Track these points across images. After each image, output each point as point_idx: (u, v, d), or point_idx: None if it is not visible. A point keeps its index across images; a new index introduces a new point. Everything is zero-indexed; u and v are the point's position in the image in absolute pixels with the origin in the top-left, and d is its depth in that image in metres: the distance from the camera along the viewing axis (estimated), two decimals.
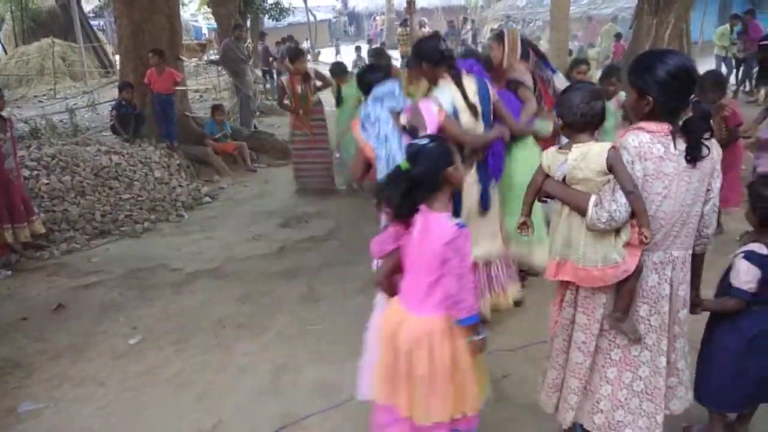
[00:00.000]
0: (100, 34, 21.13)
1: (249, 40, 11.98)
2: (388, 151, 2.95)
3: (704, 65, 12.25)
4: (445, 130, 3.00)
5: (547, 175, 2.17)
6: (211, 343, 3.70)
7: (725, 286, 2.33)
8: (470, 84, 3.27)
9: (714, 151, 2.01)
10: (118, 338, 3.82)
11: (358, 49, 16.61)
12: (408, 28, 14.59)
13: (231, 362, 3.48)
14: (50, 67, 16.92)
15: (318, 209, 6.36)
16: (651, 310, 2.08)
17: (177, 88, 7.78)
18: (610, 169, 1.95)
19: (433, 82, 3.31)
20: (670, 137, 1.95)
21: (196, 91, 13.51)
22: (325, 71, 7.01)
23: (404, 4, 19.06)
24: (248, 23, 14.65)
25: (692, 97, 1.96)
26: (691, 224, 2.06)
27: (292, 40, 14.36)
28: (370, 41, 19.08)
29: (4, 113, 5.16)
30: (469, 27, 17.32)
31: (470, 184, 3.29)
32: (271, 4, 15.45)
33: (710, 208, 2.08)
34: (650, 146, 1.94)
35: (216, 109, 8.23)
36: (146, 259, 5.15)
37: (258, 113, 10.75)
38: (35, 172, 6.01)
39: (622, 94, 4.62)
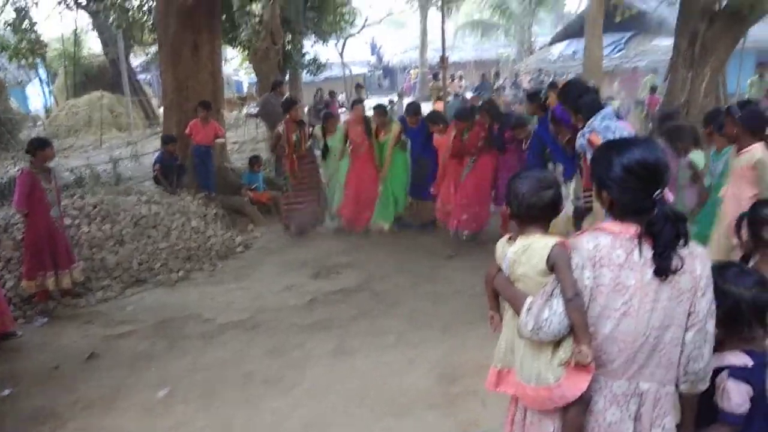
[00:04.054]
0: (146, 88, 22.20)
1: (287, 95, 12.39)
2: None
3: None
4: None
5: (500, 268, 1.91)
6: (239, 399, 3.65)
7: (708, 410, 1.83)
8: None
9: (697, 264, 1.63)
10: (147, 390, 3.82)
11: (391, 102, 16.90)
12: (440, 82, 14.91)
13: (257, 419, 3.42)
14: (98, 118, 17.75)
15: (349, 259, 6.35)
16: None
17: (217, 140, 8.02)
18: (552, 268, 1.68)
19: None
20: (635, 241, 1.62)
21: (235, 142, 13.92)
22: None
23: (437, 59, 19.54)
24: (287, 77, 15.22)
25: (657, 194, 1.62)
26: (665, 353, 1.65)
27: (320, 92, 14.89)
28: (400, 95, 19.48)
29: (51, 164, 5.39)
30: (501, 81, 17.58)
31: None
32: (309, 60, 16.00)
33: (696, 337, 1.64)
34: (609, 251, 1.62)
35: (254, 160, 8.44)
36: (179, 309, 5.19)
37: None
38: (77, 221, 6.21)
39: (691, 156, 4.56)
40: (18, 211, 5.25)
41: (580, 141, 3.78)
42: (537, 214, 1.82)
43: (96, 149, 15.25)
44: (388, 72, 33.08)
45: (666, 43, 14.96)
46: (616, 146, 1.71)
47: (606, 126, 3.60)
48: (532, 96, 6.33)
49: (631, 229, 1.63)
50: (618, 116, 4.11)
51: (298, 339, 4.44)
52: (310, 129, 7.45)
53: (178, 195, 7.37)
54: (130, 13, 13.54)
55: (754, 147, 3.64)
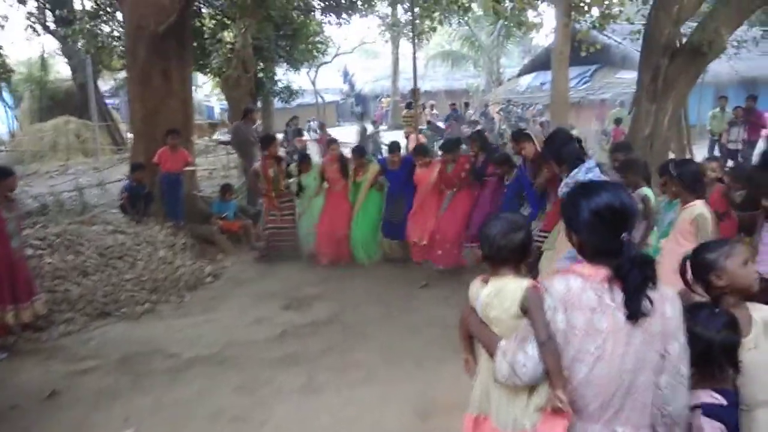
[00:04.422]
0: (114, 113, 21.89)
1: (259, 122, 12.37)
2: None
3: (702, 148, 12.53)
4: None
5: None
6: None
7: None
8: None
9: (667, 307, 1.66)
10: (111, 429, 3.67)
11: (370, 135, 16.58)
12: (413, 110, 15.10)
13: None
14: (64, 143, 17.40)
15: (321, 290, 6.29)
16: None
17: (186, 168, 7.92)
18: (525, 311, 1.71)
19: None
20: (606, 285, 1.64)
21: (205, 169, 13.78)
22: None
23: (408, 87, 19.84)
24: (259, 104, 15.21)
25: (623, 236, 1.65)
26: (639, 396, 1.64)
27: (296, 120, 14.90)
28: (374, 122, 19.61)
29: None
30: (471, 111, 17.90)
31: None
32: (282, 88, 16.04)
33: (670, 380, 1.65)
34: (580, 294, 1.63)
35: (225, 189, 8.36)
36: (144, 343, 5.03)
37: None
38: (39, 251, 6.01)
39: (644, 190, 4.65)
40: None
41: (564, 190, 3.82)
42: (508, 256, 1.86)
43: (61, 175, 14.90)
44: (361, 100, 33.37)
45: (630, 76, 15.51)
46: (584, 190, 1.75)
47: (591, 180, 3.65)
48: (516, 135, 6.28)
49: (601, 272, 1.65)
50: (600, 170, 4.19)
51: (267, 374, 4.34)
52: (287, 165, 7.57)
53: (146, 224, 7.22)
54: (99, 38, 13.44)
55: (695, 203, 3.75)
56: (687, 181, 3.80)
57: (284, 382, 4.21)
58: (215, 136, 18.54)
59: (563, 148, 4.10)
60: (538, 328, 1.63)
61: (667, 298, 1.67)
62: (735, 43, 12.12)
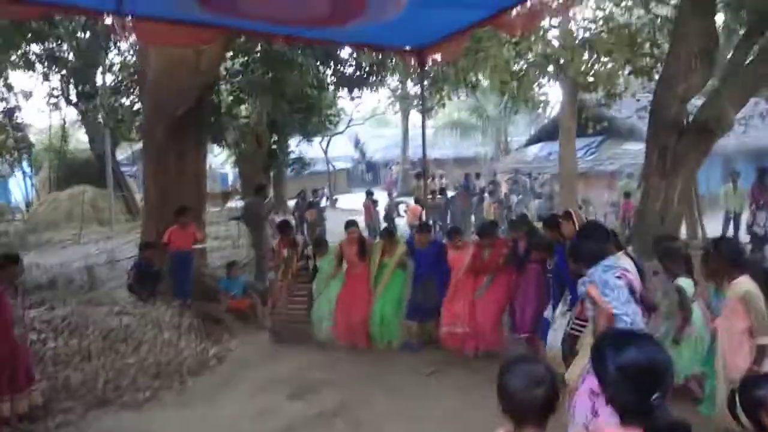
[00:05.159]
0: (131, 181, 22.36)
1: (271, 195, 12.53)
2: (632, 312, 3.44)
3: (713, 219, 12.41)
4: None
5: None
6: None
7: None
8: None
9: None
10: None
11: (369, 193, 16.55)
12: (421, 182, 15.23)
13: None
14: (79, 212, 17.68)
15: (328, 376, 6.10)
16: None
17: (196, 246, 7.95)
18: None
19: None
20: None
21: (216, 238, 13.85)
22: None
23: (418, 155, 20.16)
24: (272, 174, 15.50)
25: (654, 398, 1.53)
26: None
27: (304, 193, 15.03)
28: (389, 193, 19.83)
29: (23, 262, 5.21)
30: (483, 182, 18.05)
31: None
32: (294, 159, 16.38)
33: None
34: None
35: (232, 265, 8.33)
36: None
37: None
38: (43, 335, 5.95)
39: (680, 281, 4.58)
40: None
41: (581, 289, 3.73)
42: (530, 414, 1.71)
43: (74, 245, 15.05)
44: (371, 167, 33.93)
45: (636, 147, 15.68)
46: (612, 341, 1.66)
47: (605, 281, 3.56)
48: (548, 222, 6.19)
49: None
50: (635, 262, 4.11)
51: None
52: (305, 248, 7.65)
53: (152, 304, 7.16)
54: (119, 112, 13.91)
55: (740, 279, 3.71)
56: (729, 257, 3.79)
57: None
58: (229, 204, 18.76)
59: (581, 245, 4.01)
60: None
61: None
62: (743, 120, 12.21)
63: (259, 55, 11.60)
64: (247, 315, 7.94)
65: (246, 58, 12.02)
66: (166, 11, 4.63)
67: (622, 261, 3.97)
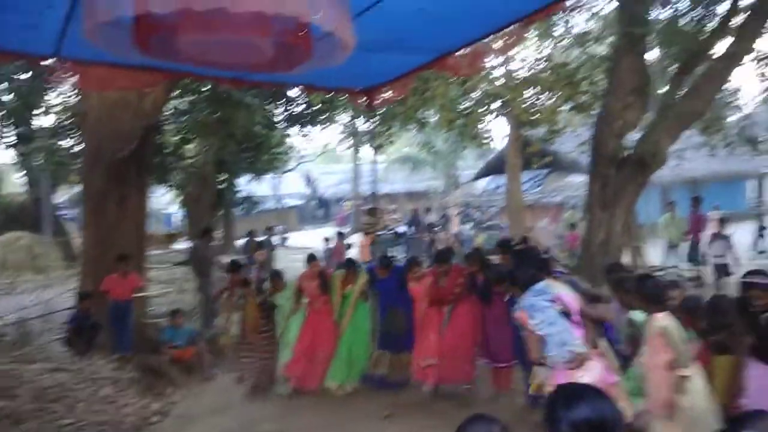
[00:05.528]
0: (70, 225, 21.39)
1: (220, 237, 12.19)
2: (562, 331, 3.72)
3: (653, 248, 12.85)
4: (584, 311, 4.02)
5: None
6: None
7: None
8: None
9: None
10: None
11: (339, 235, 16.10)
12: (372, 218, 15.22)
13: None
14: (13, 260, 16.73)
15: (280, 427, 5.85)
16: None
17: (137, 295, 7.59)
18: None
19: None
20: None
21: (159, 283, 13.32)
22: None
23: (370, 191, 20.24)
24: (220, 215, 15.15)
25: None
26: None
27: (254, 233, 14.67)
28: (340, 231, 19.62)
29: None
30: (434, 216, 18.23)
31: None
32: (243, 198, 16.12)
33: None
34: None
35: (176, 313, 7.96)
36: None
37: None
38: None
39: (632, 314, 4.59)
40: None
41: (516, 313, 3.80)
42: None
43: (8, 295, 14.15)
44: (323, 203, 33.80)
45: (579, 179, 16.22)
46: (563, 396, 1.65)
47: (532, 304, 3.64)
48: (503, 245, 6.16)
49: None
50: (573, 284, 4.20)
51: None
52: (258, 285, 7.28)
53: (90, 358, 6.74)
54: (58, 155, 13.39)
55: (657, 315, 3.79)
56: (648, 294, 3.87)
57: None
58: (175, 246, 18.17)
59: (516, 271, 4.16)
60: None
61: None
62: (678, 153, 12.84)
63: (206, 94, 11.45)
64: (193, 365, 7.57)
65: (193, 97, 11.84)
66: (107, 55, 4.49)
67: (555, 287, 4.11)
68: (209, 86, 11.04)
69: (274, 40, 2.87)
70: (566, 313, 3.79)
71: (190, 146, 13.63)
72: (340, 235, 14.55)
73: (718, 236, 10.12)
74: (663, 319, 3.76)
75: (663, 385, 3.71)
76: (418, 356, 6.31)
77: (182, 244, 16.18)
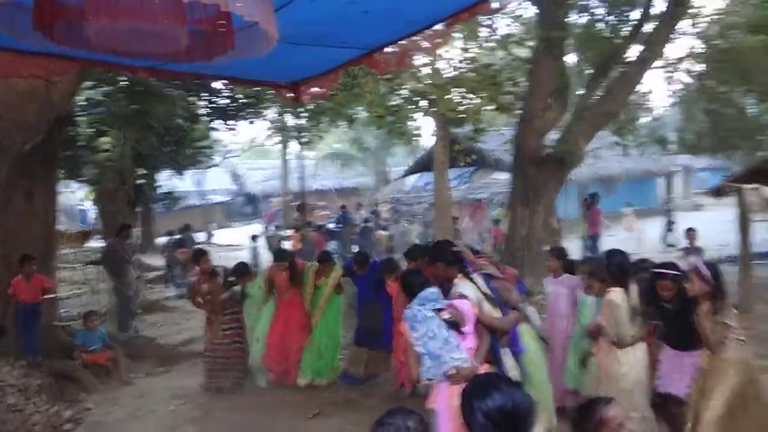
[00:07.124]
0: None
1: (137, 235, 11.63)
2: (437, 345, 3.42)
3: (570, 242, 13.51)
4: (481, 320, 3.66)
5: None
6: None
7: None
8: (479, 279, 4.01)
9: None
10: None
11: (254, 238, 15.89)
12: (301, 215, 15.09)
13: None
14: None
15: (198, 430, 5.67)
16: None
17: (46, 296, 7.11)
18: None
19: (447, 281, 4.04)
20: None
21: (72, 284, 12.54)
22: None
23: (299, 187, 19.98)
24: (138, 211, 14.44)
25: None
26: None
27: (190, 229, 14.15)
28: (267, 224, 19.34)
29: None
30: (365, 213, 18.25)
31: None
32: (163, 194, 15.46)
33: None
34: None
35: (89, 315, 7.53)
36: None
37: (140, 311, 10.05)
38: None
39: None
40: None
41: (406, 317, 3.70)
42: None
43: None
44: (251, 199, 33.05)
45: (503, 176, 16.77)
46: (477, 389, 1.70)
47: (414, 315, 3.51)
48: (410, 254, 6.08)
49: None
50: (485, 280, 4.14)
51: None
52: (225, 278, 6.76)
53: None
54: None
55: (612, 289, 4.14)
56: (612, 269, 4.18)
57: None
58: (89, 244, 17.12)
59: (403, 278, 4.14)
60: None
61: None
62: (593, 152, 13.58)
63: (122, 84, 10.86)
64: (108, 370, 7.19)
65: (108, 88, 11.19)
66: (10, 41, 4.14)
67: (461, 287, 3.93)
68: (125, 76, 10.49)
69: (190, 29, 2.74)
70: (455, 323, 3.48)
71: (106, 139, 12.89)
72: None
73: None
74: (616, 294, 4.02)
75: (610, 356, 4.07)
76: (399, 354, 6.12)
77: (97, 243, 15.26)
